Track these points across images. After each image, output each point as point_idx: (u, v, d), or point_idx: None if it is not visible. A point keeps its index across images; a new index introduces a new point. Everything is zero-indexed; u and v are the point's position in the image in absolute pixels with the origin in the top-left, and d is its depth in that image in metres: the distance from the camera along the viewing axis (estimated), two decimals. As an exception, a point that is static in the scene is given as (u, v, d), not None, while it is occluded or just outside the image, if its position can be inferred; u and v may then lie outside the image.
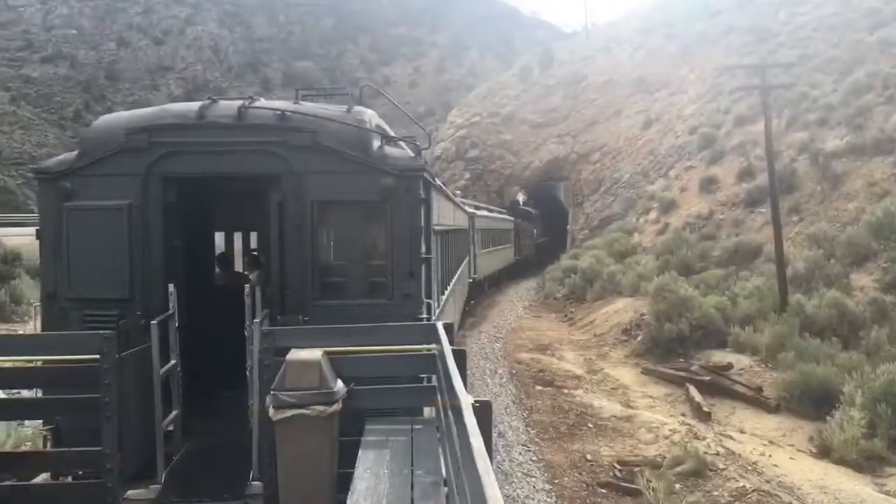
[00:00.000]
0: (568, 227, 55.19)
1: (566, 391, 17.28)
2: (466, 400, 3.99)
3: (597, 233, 37.97)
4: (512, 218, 45.26)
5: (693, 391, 17.61)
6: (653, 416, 15.45)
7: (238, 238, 13.94)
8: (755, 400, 17.19)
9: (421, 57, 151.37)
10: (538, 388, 17.47)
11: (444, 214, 12.83)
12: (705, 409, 16.53)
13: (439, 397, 5.83)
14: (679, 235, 29.31)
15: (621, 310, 24.52)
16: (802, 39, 39.53)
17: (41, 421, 7.87)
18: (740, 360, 19.07)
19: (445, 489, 5.00)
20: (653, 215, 34.04)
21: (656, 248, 29.99)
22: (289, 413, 5.78)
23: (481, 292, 32.22)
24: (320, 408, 5.79)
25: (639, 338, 21.95)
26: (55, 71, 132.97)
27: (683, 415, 16.82)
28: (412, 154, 8.30)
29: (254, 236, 13.05)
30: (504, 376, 18.53)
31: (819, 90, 33.85)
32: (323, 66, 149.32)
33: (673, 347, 20.46)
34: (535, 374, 18.88)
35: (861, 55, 35.17)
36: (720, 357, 19.72)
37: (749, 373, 18.66)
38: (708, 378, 18.18)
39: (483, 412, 4.23)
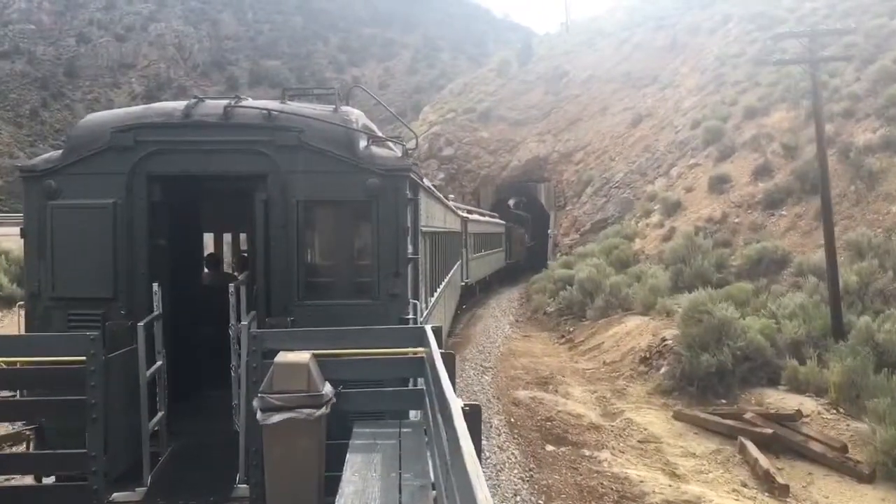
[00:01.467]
0: (549, 231, 50.65)
1: (587, 453, 12.57)
2: (456, 404, 3.92)
3: (589, 238, 33.40)
4: (504, 222, 43.79)
5: (752, 449, 13.03)
6: (719, 499, 10.79)
7: (227, 239, 13.98)
8: (840, 464, 12.64)
9: (392, 58, 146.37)
10: (549, 448, 12.74)
11: (434, 216, 12.52)
12: (780, 479, 11.92)
13: (428, 401, 5.75)
14: (691, 242, 24.78)
15: (634, 331, 19.92)
16: (813, 26, 35.29)
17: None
18: (804, 404, 14.53)
19: (433, 493, 4.91)
20: (655, 218, 29.53)
21: (665, 257, 25.45)
22: (277, 418, 5.66)
23: (472, 296, 31.01)
24: (308, 411, 5.69)
25: (663, 369, 17.34)
26: (11, 67, 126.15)
27: (745, 485, 12.23)
28: (399, 154, 8.22)
29: (244, 238, 12.95)
30: (501, 429, 13.76)
31: (840, 79, 29.60)
32: (291, 65, 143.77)
33: (711, 384, 15.88)
34: (540, 423, 14.14)
35: (882, 42, 31.05)
36: (775, 398, 15.19)
37: (818, 422, 14.13)
38: (769, 431, 13.61)
39: (473, 416, 4.11)
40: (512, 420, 14.35)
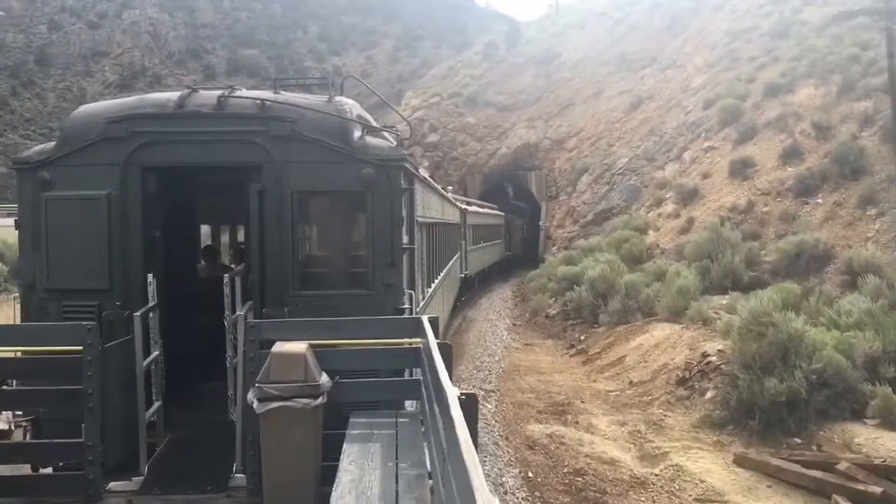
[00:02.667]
0: (540, 222, 46.99)
1: (641, 530, 8.92)
2: (453, 392, 3.86)
3: (591, 230, 29.74)
4: (503, 213, 42.27)
5: (859, 518, 9.46)
6: None
7: (225, 231, 14.11)
8: None
9: (373, 47, 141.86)
10: (587, 522, 9.08)
11: (430, 207, 12.45)
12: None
13: (424, 390, 5.65)
14: (717, 234, 21.19)
15: (664, 343, 16.26)
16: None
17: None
18: (904, 446, 10.98)
19: (430, 482, 4.84)
20: (669, 207, 25.91)
21: (686, 251, 21.84)
22: (273, 404, 5.56)
23: (471, 288, 30.15)
24: (305, 401, 5.59)
25: (709, 394, 13.70)
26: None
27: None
28: (393, 144, 8.01)
29: (241, 230, 12.57)
30: (517, 492, 10.02)
31: (874, 51, 26.06)
32: (270, 54, 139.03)
33: (779, 417, 12.25)
34: (568, 479, 10.44)
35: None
36: (865, 436, 11.65)
37: (933, 472, 10.56)
38: (878, 490, 9.99)
39: (469, 405, 4.05)
40: (530, 475, 10.61)
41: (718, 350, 14.56)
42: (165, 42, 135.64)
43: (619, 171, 30.93)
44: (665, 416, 13.56)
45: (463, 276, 24.72)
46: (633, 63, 46.48)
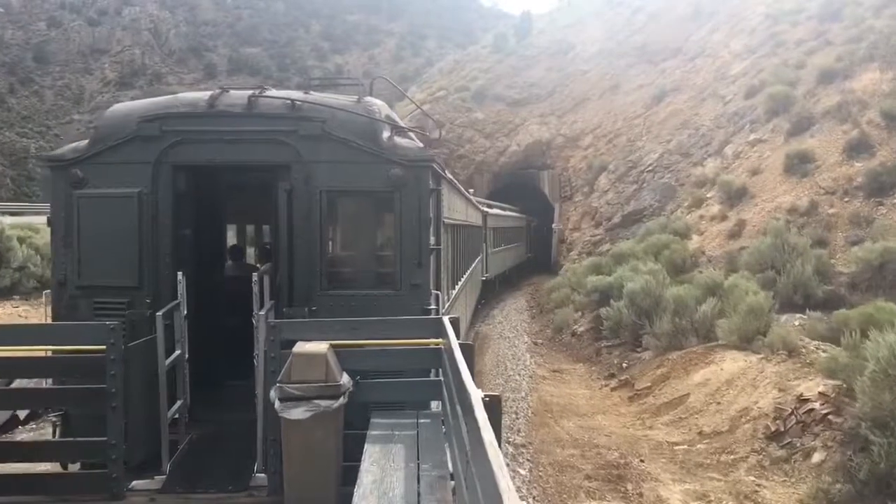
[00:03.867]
0: (553, 225, 43.31)
1: None
2: (476, 394, 3.80)
3: (619, 233, 26.06)
4: (524, 215, 40.66)
5: None
6: None
7: (250, 231, 14.29)
8: None
9: (376, 45, 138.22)
10: None
11: (455, 209, 12.36)
12: None
13: (445, 391, 5.57)
14: (782, 240, 17.54)
15: (739, 378, 12.58)
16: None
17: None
18: None
19: (452, 483, 4.74)
20: (714, 208, 22.25)
21: (743, 260, 18.20)
22: (297, 414, 5.50)
23: (492, 291, 29.20)
24: (327, 402, 5.54)
25: (816, 456, 10.05)
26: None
27: None
28: (421, 144, 8.06)
29: (266, 230, 13.29)
30: None
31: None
32: (272, 52, 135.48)
33: (935, 499, 8.64)
34: None
35: None
36: None
37: None
38: None
39: (493, 407, 3.88)
40: None
41: (820, 393, 10.93)
42: (166, 40, 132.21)
43: (649, 168, 27.27)
44: (759, 485, 9.90)
45: (484, 278, 23.94)
46: (653, 55, 42.81)
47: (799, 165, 21.08)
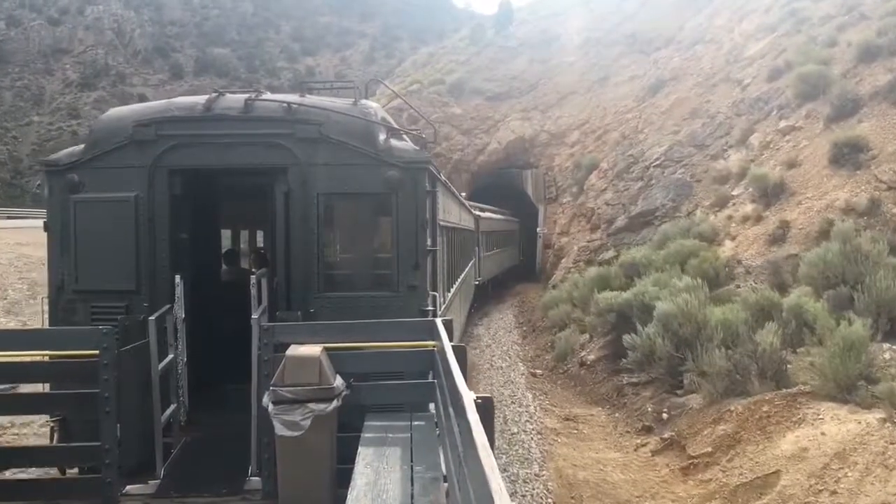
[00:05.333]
0: (538, 229, 39.19)
1: None
2: (468, 396, 3.73)
3: (625, 238, 21.91)
4: (516, 219, 38.52)
5: None
6: None
7: (244, 236, 14.11)
8: None
9: (348, 47, 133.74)
10: None
11: (450, 211, 12.25)
12: None
13: (439, 393, 5.52)
14: (853, 247, 13.51)
15: (857, 450, 8.40)
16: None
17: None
18: None
19: (445, 485, 4.71)
20: (745, 208, 18.17)
21: (802, 271, 14.11)
22: (295, 432, 5.42)
23: (485, 295, 28.71)
24: (320, 405, 5.43)
25: None
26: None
27: None
28: (417, 147, 8.00)
29: (260, 235, 13.33)
30: None
31: None
32: (240, 53, 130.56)
33: None
34: None
35: None
36: None
37: None
38: None
39: (485, 409, 4.02)
40: None
41: None
42: (131, 40, 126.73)
43: (656, 163, 23.19)
44: None
45: (477, 282, 23.08)
46: (645, 44, 38.96)
47: (850, 155, 17.09)
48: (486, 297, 28.83)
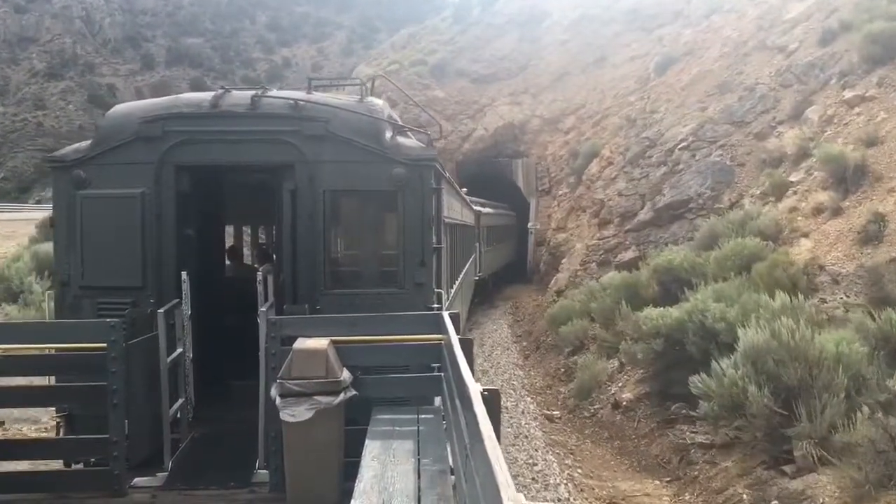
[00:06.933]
0: (530, 224, 34.87)
1: None
2: (475, 388, 3.71)
3: (650, 236, 17.57)
4: (513, 213, 35.48)
5: None
6: None
7: (247, 232, 14.19)
8: None
9: (325, 38, 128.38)
10: None
11: (453, 208, 12.16)
12: None
13: (445, 386, 5.43)
14: None
15: None
16: None
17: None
18: None
19: (452, 478, 4.62)
20: (817, 197, 13.87)
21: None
22: (297, 415, 5.35)
23: (485, 290, 27.75)
24: (327, 398, 5.37)
25: None
26: None
27: None
28: (423, 144, 7.83)
29: (263, 231, 13.64)
30: None
31: None
32: (214, 43, 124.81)
33: None
34: None
35: None
36: None
37: None
38: None
39: (491, 401, 3.82)
40: None
41: None
42: (100, 28, 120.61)
43: (683, 145, 18.90)
44: None
45: (477, 278, 22.49)
46: (647, 20, 34.74)
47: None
48: (486, 292, 27.32)
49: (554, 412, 12.53)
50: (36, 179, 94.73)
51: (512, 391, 13.63)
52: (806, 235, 13.17)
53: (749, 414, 8.50)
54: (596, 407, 12.11)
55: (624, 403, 11.66)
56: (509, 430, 11.22)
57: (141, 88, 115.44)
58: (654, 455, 9.91)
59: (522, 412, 12.33)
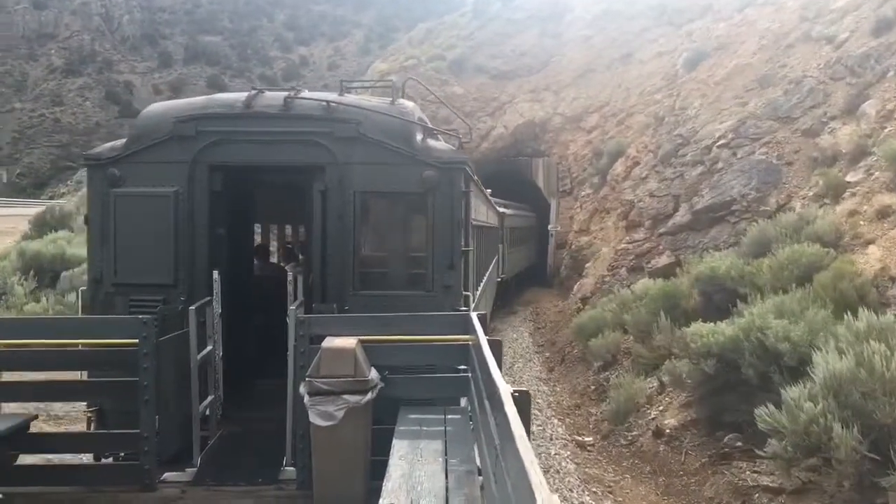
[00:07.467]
0: (550, 226, 33.41)
1: None
2: (505, 389, 3.66)
3: (689, 240, 16.05)
4: (534, 214, 34.05)
5: None
6: None
7: (274, 231, 14.31)
8: None
9: (343, 37, 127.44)
10: None
11: (480, 210, 12.19)
12: None
13: (473, 387, 5.47)
14: None
15: None
16: None
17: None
18: None
19: (480, 478, 4.65)
20: (882, 198, 12.34)
21: None
22: (330, 421, 5.33)
23: (508, 292, 26.54)
24: (355, 396, 5.39)
25: None
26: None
27: None
28: (454, 147, 7.98)
29: (290, 230, 13.66)
30: None
31: None
32: (232, 41, 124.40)
33: None
34: None
35: None
36: None
37: None
38: None
39: (522, 402, 3.66)
40: None
41: None
42: (119, 25, 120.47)
43: (723, 143, 17.37)
44: None
45: (500, 279, 21.90)
46: (675, 14, 33.16)
47: None
48: (507, 296, 26.39)
49: (586, 438, 11.07)
50: (52, 176, 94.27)
51: (537, 411, 12.18)
52: (872, 242, 11.63)
53: (835, 459, 7.01)
54: (634, 433, 10.64)
55: (667, 431, 10.18)
56: (540, 458, 9.85)
57: (158, 86, 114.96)
58: (708, 498, 8.44)
59: (551, 438, 10.88)
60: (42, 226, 18.26)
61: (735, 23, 26.37)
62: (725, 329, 9.93)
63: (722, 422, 9.62)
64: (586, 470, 9.63)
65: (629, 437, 10.66)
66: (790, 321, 9.37)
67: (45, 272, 14.97)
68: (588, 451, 10.54)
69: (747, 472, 8.43)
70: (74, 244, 15.45)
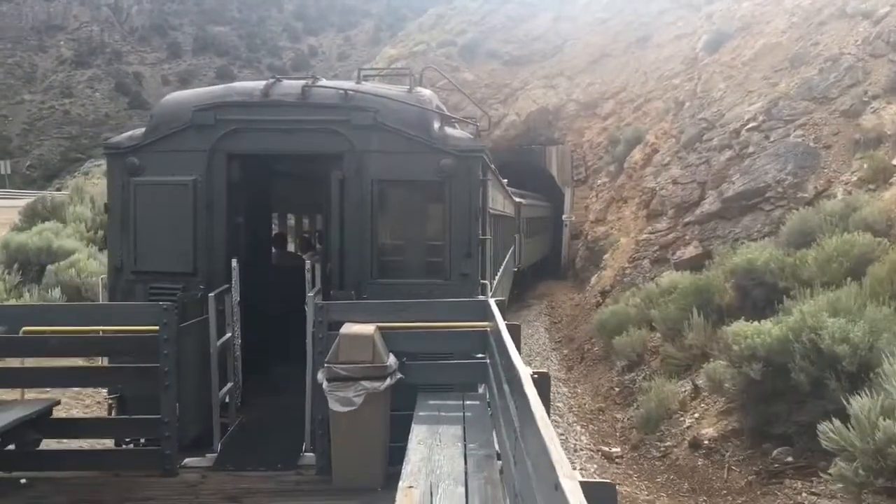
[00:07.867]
0: (564, 216, 32.28)
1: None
2: (525, 372, 3.63)
3: (719, 229, 14.88)
4: (550, 203, 32.99)
5: None
6: None
7: (290, 220, 14.28)
8: None
9: (353, 27, 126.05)
10: None
11: (497, 199, 12.22)
12: None
13: (492, 372, 5.40)
14: None
15: None
16: None
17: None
18: None
19: (499, 462, 4.63)
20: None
21: None
22: (349, 407, 5.38)
23: (523, 282, 25.84)
24: (373, 382, 5.40)
25: None
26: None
27: None
28: (471, 135, 7.88)
29: (307, 219, 13.90)
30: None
31: None
32: (241, 32, 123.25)
33: None
34: None
35: None
36: None
37: None
38: None
39: (542, 384, 3.73)
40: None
41: None
42: (127, 16, 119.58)
43: (753, 125, 16.19)
44: None
45: (516, 269, 21.78)
46: (694, -4, 31.81)
47: None
48: (522, 286, 25.90)
49: (613, 449, 9.99)
50: (62, 167, 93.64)
51: (558, 417, 11.10)
52: (930, 229, 10.48)
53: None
54: (667, 444, 9.55)
55: (705, 442, 9.10)
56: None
57: (167, 77, 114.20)
58: (758, 524, 7.36)
59: (574, 449, 9.81)
60: (33, 217, 17.28)
61: (759, 2, 25.05)
62: (772, 329, 8.83)
63: (769, 433, 8.54)
64: (617, 487, 8.57)
65: (662, 449, 9.57)
66: (848, 320, 8.26)
67: (31, 265, 13.96)
68: (617, 464, 9.48)
69: (804, 494, 7.35)
70: (62, 236, 14.41)
